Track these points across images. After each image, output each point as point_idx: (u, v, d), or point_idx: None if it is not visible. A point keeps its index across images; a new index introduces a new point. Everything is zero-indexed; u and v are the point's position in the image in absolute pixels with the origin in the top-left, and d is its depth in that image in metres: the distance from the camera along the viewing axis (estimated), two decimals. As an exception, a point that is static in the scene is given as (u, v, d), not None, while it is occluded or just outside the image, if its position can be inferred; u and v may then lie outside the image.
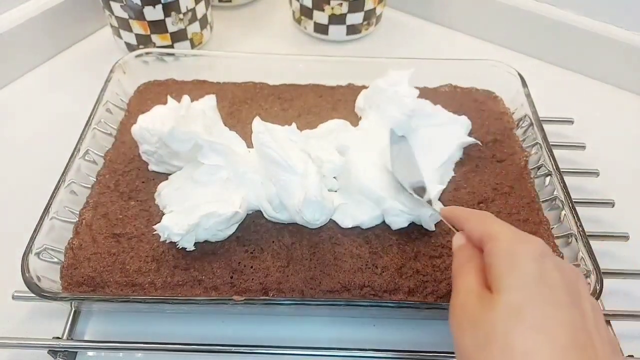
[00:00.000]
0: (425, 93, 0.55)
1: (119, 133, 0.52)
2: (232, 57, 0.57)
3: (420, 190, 0.41)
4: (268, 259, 0.41)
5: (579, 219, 0.42)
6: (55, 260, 0.41)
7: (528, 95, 0.53)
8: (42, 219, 0.41)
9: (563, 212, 0.44)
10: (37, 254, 0.40)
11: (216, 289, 0.40)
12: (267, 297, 0.40)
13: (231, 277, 0.40)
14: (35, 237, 0.40)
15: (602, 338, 0.24)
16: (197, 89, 0.56)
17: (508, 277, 0.25)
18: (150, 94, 0.56)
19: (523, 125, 0.52)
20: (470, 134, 0.51)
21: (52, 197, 0.43)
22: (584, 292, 0.25)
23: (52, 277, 0.40)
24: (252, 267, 0.41)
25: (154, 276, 0.40)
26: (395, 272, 0.41)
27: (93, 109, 0.51)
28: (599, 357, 0.22)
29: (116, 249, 0.42)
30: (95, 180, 0.47)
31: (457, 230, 0.33)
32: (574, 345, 0.22)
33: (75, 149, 0.47)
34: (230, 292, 0.40)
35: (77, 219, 0.44)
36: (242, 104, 0.54)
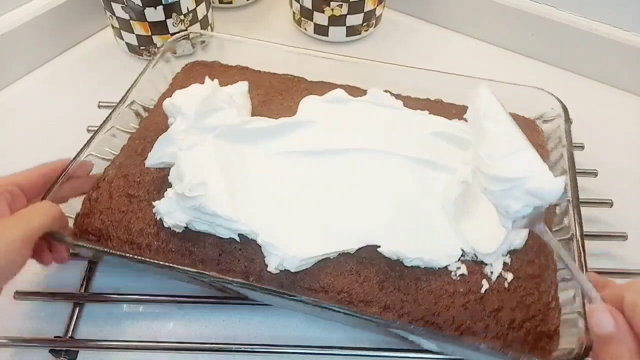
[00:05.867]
0: (460, 112, 0.52)
1: (158, 103, 0.55)
2: (276, 48, 0.58)
3: None
4: (257, 247, 0.41)
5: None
6: (71, 209, 0.45)
7: (568, 133, 0.48)
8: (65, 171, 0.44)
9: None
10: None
11: (203, 262, 0.42)
12: (244, 282, 0.40)
13: (219, 255, 0.42)
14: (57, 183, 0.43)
15: None
16: (238, 74, 0.58)
17: None
18: (195, 73, 0.58)
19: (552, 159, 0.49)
20: None
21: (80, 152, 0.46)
22: None
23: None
24: (240, 250, 0.42)
25: (152, 239, 0.43)
26: (376, 285, 0.40)
27: (136, 80, 0.53)
28: None
29: (126, 207, 0.45)
30: (126, 142, 0.50)
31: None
32: None
33: (122, 99, 0.50)
34: (215, 269, 0.41)
35: (102, 174, 0.48)
36: (277, 95, 0.55)
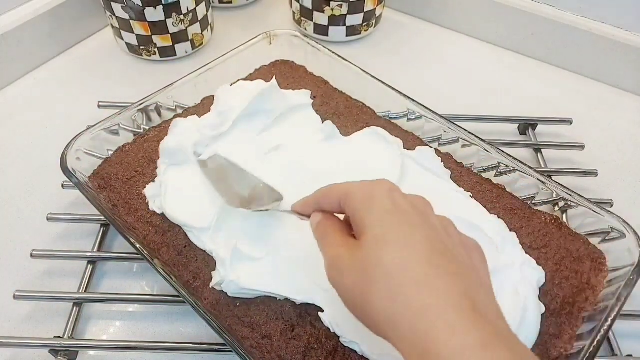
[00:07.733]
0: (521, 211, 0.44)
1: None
2: (364, 77, 0.54)
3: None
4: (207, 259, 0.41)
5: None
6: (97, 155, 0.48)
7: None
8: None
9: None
10: (92, 138, 0.48)
11: (168, 247, 0.43)
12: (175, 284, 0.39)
13: (184, 247, 0.43)
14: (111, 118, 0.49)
15: (455, 242, 0.28)
16: (315, 85, 0.57)
17: (369, 216, 0.28)
18: (277, 71, 0.58)
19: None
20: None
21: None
22: (430, 213, 0.30)
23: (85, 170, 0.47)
24: (204, 250, 0.42)
25: (142, 205, 0.45)
26: (302, 348, 0.37)
27: (220, 57, 0.55)
28: (455, 256, 0.27)
29: (141, 169, 0.47)
30: (182, 112, 0.54)
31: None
32: (434, 252, 0.26)
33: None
34: (174, 258, 0.42)
35: (144, 132, 0.51)
36: (336, 116, 0.53)
